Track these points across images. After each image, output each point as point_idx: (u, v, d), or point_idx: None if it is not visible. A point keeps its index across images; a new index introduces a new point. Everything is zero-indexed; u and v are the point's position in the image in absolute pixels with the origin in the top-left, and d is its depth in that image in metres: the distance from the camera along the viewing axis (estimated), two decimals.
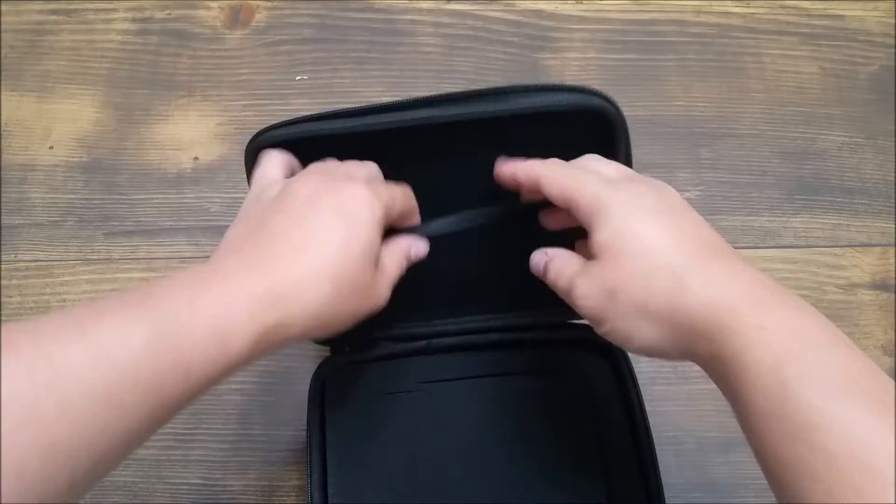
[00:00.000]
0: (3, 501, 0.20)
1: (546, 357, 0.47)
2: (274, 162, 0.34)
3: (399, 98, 0.35)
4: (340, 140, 0.35)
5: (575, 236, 0.37)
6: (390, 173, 0.36)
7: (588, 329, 0.46)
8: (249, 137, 0.36)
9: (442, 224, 0.37)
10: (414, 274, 0.40)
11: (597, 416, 0.45)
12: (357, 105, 0.35)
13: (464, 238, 0.39)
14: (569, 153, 0.35)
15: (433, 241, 0.38)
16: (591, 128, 0.35)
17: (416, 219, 0.37)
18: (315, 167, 0.34)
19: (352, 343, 0.46)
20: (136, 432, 0.24)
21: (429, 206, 0.37)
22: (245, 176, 0.36)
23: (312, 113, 0.35)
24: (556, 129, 0.35)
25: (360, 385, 0.46)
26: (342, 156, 0.35)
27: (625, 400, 0.45)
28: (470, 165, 0.37)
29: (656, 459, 0.42)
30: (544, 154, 0.35)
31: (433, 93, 0.34)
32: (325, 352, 0.47)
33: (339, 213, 0.30)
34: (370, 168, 0.35)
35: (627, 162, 0.37)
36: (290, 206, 0.30)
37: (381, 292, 0.32)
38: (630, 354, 0.45)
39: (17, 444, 0.20)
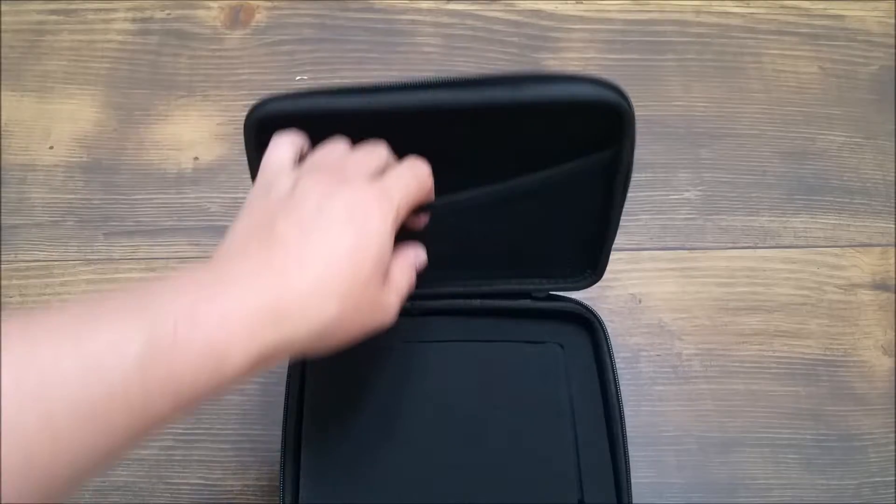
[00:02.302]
0: None
1: (526, 326, 0.48)
2: (283, 147, 0.32)
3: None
4: (347, 116, 0.34)
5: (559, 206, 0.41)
6: (399, 151, 0.35)
7: (569, 301, 0.47)
8: None
9: (450, 200, 0.37)
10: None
11: (572, 386, 0.45)
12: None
13: (451, 214, 0.39)
14: (572, 139, 0.36)
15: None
16: (600, 120, 0.35)
17: (430, 196, 0.35)
18: (325, 156, 0.32)
19: None
20: (119, 449, 0.23)
21: (436, 182, 0.37)
22: (246, 155, 0.35)
23: (317, 88, 0.34)
24: (564, 118, 0.35)
25: None
26: (348, 131, 0.34)
27: (601, 373, 0.46)
28: (478, 147, 0.36)
29: (625, 433, 0.43)
30: (547, 140, 0.36)
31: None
32: None
33: (349, 221, 0.28)
34: (381, 155, 0.33)
35: (629, 159, 0.36)
36: (300, 213, 0.28)
37: (390, 308, 0.31)
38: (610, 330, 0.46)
39: None
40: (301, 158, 0.33)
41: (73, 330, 0.22)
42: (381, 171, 0.32)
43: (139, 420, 0.22)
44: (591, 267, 0.46)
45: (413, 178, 0.32)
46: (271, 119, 0.34)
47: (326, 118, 0.34)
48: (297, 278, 0.26)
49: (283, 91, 0.34)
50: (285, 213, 0.28)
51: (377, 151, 0.33)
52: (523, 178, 0.38)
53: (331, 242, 0.28)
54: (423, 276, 0.47)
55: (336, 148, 0.33)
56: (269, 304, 0.25)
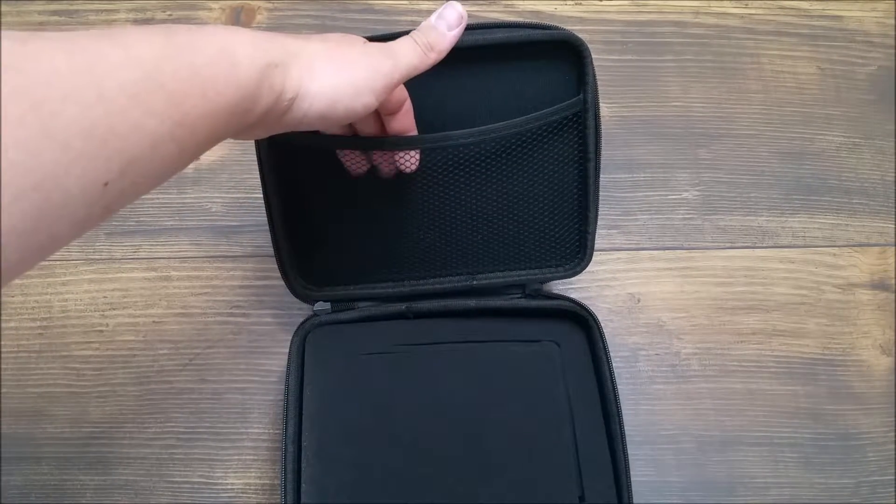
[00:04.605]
0: (50, 162, 0.21)
1: (522, 325, 0.48)
2: None
3: None
4: None
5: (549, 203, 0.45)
6: None
7: (563, 299, 0.48)
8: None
9: (438, 137, 0.42)
10: (393, 235, 0.46)
11: (569, 384, 0.46)
12: None
13: (441, 199, 0.44)
14: (542, 89, 0.43)
15: (413, 203, 0.44)
16: (562, 61, 0.43)
17: (413, 129, 0.41)
18: None
19: (333, 303, 0.48)
20: (163, 146, 0.25)
21: (424, 128, 0.42)
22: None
23: None
24: (532, 64, 0.43)
25: (339, 345, 0.47)
26: None
27: (597, 370, 0.46)
28: (459, 101, 0.42)
29: (623, 430, 0.44)
30: (521, 93, 0.43)
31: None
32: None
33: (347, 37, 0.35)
34: None
35: (594, 84, 0.43)
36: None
37: (384, 58, 0.34)
38: (606, 329, 0.48)
39: (62, 118, 0.21)
40: None
41: (105, 33, 0.25)
42: None
43: (176, 113, 0.25)
44: (580, 250, 0.47)
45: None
46: None
47: None
48: (296, 42, 0.31)
49: None
50: None
51: None
52: (504, 123, 0.42)
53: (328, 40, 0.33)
54: (418, 270, 0.48)
55: None
56: (267, 35, 0.30)
